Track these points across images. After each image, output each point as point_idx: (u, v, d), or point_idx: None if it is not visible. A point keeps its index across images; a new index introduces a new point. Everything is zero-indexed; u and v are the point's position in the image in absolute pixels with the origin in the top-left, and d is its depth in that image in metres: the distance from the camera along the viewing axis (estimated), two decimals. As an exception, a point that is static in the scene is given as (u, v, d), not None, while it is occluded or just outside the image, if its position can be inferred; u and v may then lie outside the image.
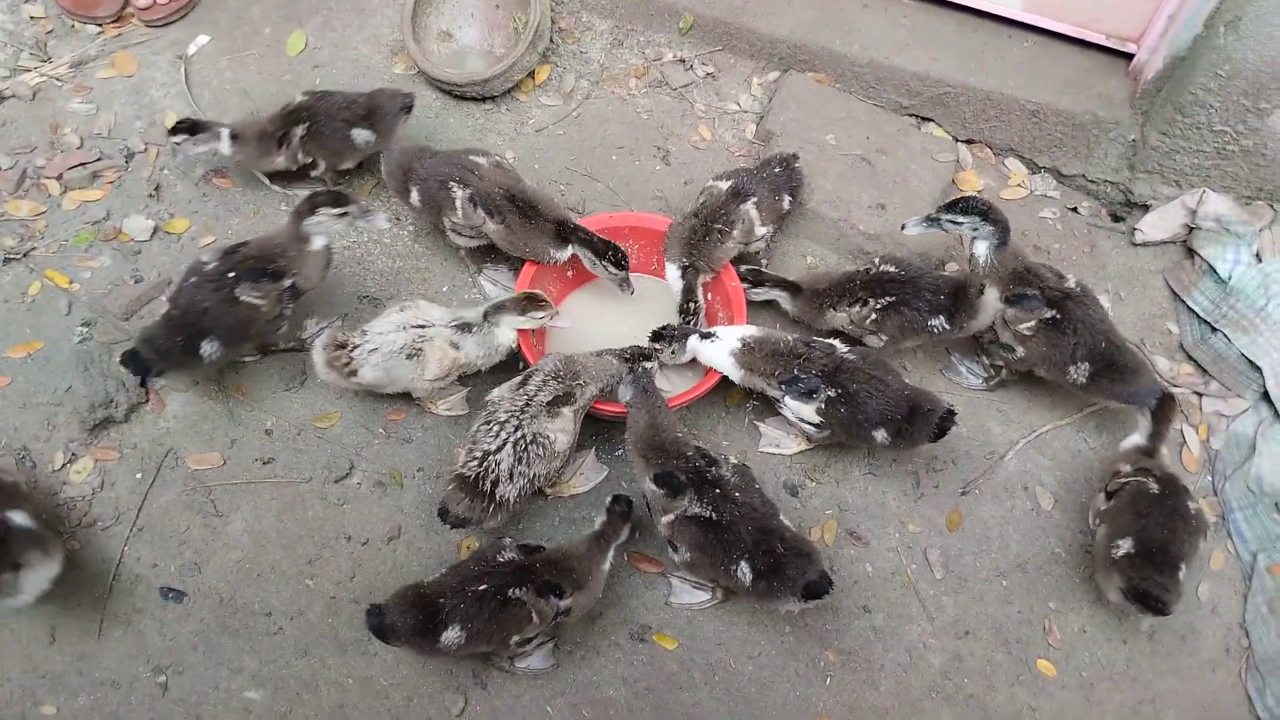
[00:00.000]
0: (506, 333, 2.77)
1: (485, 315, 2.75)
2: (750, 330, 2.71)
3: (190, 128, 3.04)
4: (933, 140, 3.47)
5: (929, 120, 3.53)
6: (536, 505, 2.77)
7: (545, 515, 2.76)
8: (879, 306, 2.80)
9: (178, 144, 3.05)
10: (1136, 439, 2.70)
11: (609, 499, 2.55)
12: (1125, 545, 2.47)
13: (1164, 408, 2.67)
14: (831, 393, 2.57)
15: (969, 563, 2.76)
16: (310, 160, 3.15)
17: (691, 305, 2.91)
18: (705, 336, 2.71)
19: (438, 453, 2.86)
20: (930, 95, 3.44)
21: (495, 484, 2.47)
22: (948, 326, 2.76)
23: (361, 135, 3.09)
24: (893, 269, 2.84)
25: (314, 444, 2.85)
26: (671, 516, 2.39)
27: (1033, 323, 2.74)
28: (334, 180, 3.27)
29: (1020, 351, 2.81)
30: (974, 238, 2.80)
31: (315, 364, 2.69)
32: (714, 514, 2.34)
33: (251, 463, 2.81)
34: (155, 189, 3.28)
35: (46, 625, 2.53)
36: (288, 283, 2.69)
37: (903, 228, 2.83)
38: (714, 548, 2.33)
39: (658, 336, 2.73)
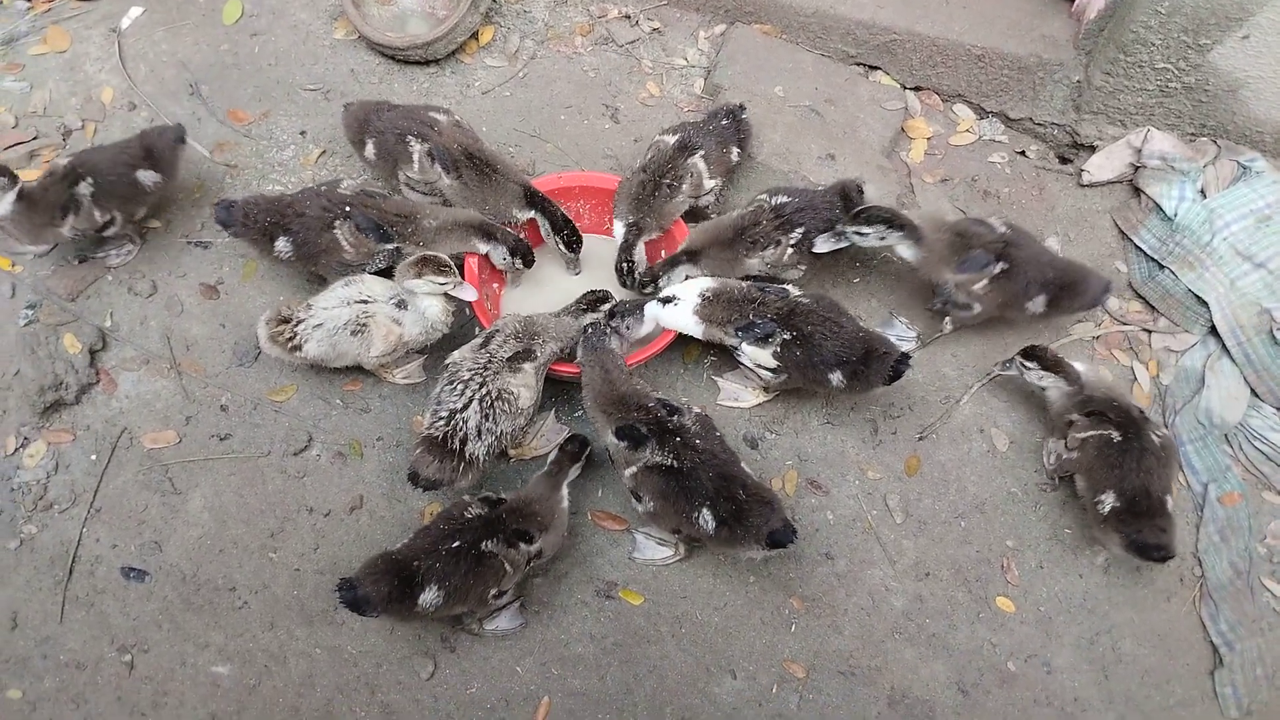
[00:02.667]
0: (434, 304, 2.73)
1: (396, 277, 2.72)
2: (707, 282, 2.72)
3: None
4: (881, 89, 3.47)
5: (876, 69, 3.53)
6: (499, 469, 2.77)
7: (509, 478, 2.76)
8: (794, 241, 2.81)
9: None
10: (1056, 385, 2.74)
11: (563, 437, 2.56)
12: (1109, 500, 2.53)
13: (1037, 356, 2.73)
14: (787, 335, 2.59)
15: (928, 506, 2.80)
16: (108, 217, 2.87)
17: (626, 265, 2.90)
18: (666, 302, 2.70)
19: (396, 421, 2.85)
20: (877, 43, 3.44)
21: (464, 442, 2.46)
22: (849, 228, 2.75)
23: (148, 177, 2.90)
24: (786, 199, 2.84)
25: (271, 418, 2.83)
26: (634, 469, 2.40)
27: (985, 280, 2.77)
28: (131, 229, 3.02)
29: (978, 308, 2.84)
30: (889, 244, 2.80)
31: (259, 338, 2.66)
32: (675, 462, 2.35)
33: (208, 439, 2.79)
34: (89, 166, 3.20)
35: (8, 611, 2.50)
36: None
37: (812, 246, 2.82)
38: (676, 496, 2.35)
39: (612, 314, 2.71)
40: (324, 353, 2.66)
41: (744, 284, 2.69)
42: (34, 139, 3.25)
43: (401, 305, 2.69)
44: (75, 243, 2.89)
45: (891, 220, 2.72)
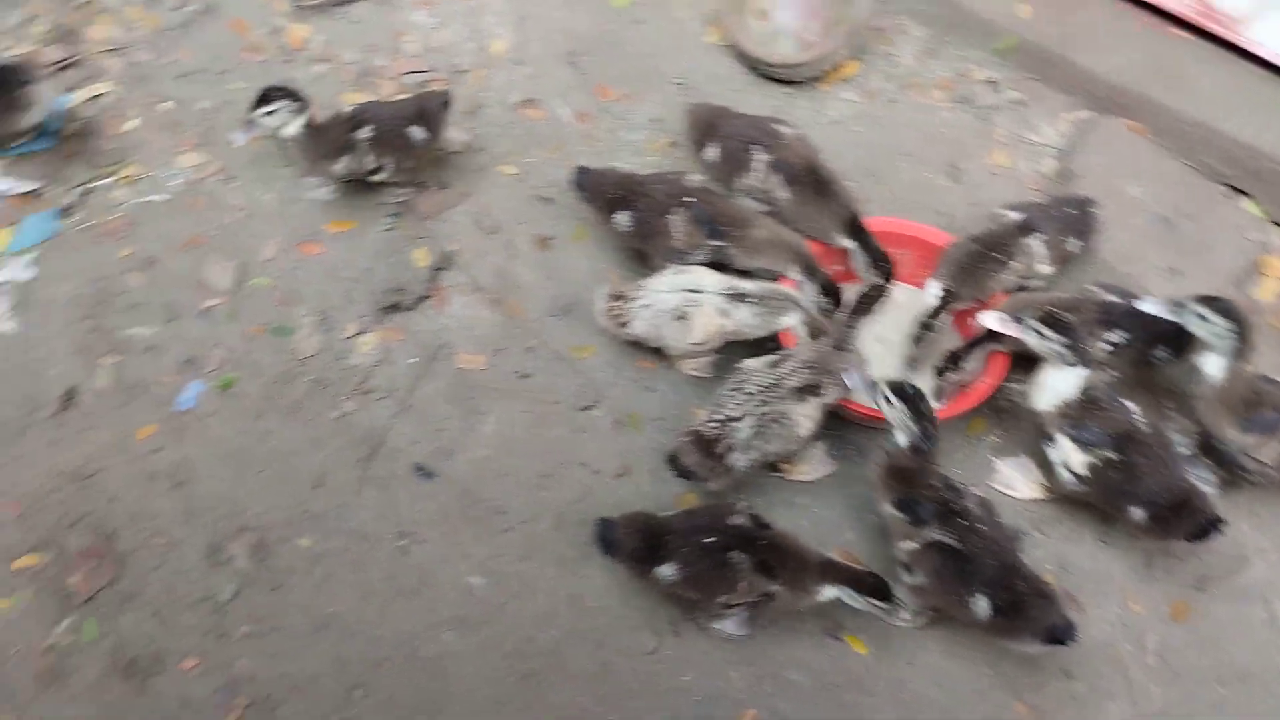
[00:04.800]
0: (791, 319, 2.85)
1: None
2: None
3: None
4: (1244, 215, 3.29)
5: (1244, 194, 3.35)
6: (760, 478, 2.85)
7: (765, 489, 2.84)
8: (1112, 342, 2.72)
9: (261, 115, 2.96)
10: None
11: (864, 577, 2.46)
12: None
13: None
14: (1112, 455, 2.52)
15: (1188, 659, 2.64)
16: (378, 164, 3.15)
17: (926, 328, 2.90)
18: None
19: (676, 408, 2.99)
20: (1253, 168, 3.26)
21: (730, 449, 2.57)
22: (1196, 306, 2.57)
23: (417, 133, 3.13)
24: (1118, 299, 2.73)
25: (567, 371, 3.04)
26: (914, 545, 2.42)
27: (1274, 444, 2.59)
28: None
29: (1273, 474, 2.66)
30: (1218, 347, 2.58)
31: (595, 309, 2.88)
32: (959, 544, 2.35)
33: (511, 373, 3.04)
34: (474, 107, 3.54)
35: (318, 471, 2.83)
36: None
37: (1135, 299, 2.69)
38: (953, 578, 2.35)
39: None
40: (646, 332, 2.85)
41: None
42: (428, 70, 3.63)
43: (739, 299, 2.81)
44: (345, 182, 3.20)
45: (1240, 324, 2.53)
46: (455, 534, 2.77)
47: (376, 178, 3.18)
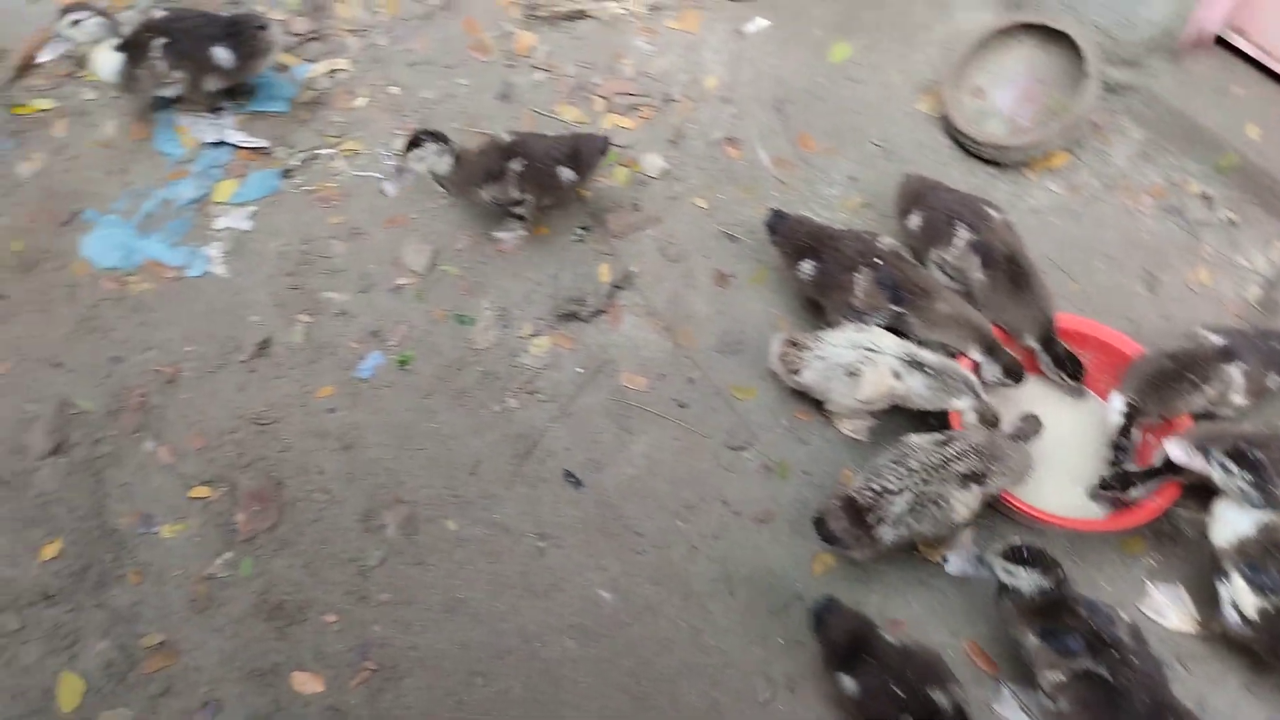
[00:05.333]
0: (963, 402, 2.81)
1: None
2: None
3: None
4: None
5: None
6: (899, 555, 2.82)
7: (903, 565, 2.80)
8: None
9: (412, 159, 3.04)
10: None
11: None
12: None
13: None
14: None
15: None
16: (522, 197, 3.17)
17: (1123, 445, 2.81)
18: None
19: (826, 464, 2.98)
20: None
21: (879, 522, 2.56)
22: None
23: (566, 174, 3.14)
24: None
25: (725, 408, 3.08)
26: (1060, 675, 2.34)
27: None
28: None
29: None
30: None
31: (770, 350, 2.91)
32: (1110, 676, 2.27)
33: (669, 400, 3.09)
34: (677, 137, 3.63)
35: (474, 459, 2.94)
36: None
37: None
38: (1101, 711, 2.27)
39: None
40: (814, 383, 2.86)
41: None
42: (639, 95, 3.74)
43: (914, 365, 2.80)
44: (486, 209, 3.26)
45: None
46: (591, 545, 2.83)
47: (517, 210, 3.24)
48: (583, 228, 3.40)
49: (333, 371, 3.07)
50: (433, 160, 3.03)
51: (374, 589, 2.72)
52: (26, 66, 3.63)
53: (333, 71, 3.70)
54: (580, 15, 3.89)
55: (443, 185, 3.17)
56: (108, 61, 3.24)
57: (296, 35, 3.75)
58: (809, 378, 2.86)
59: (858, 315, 2.97)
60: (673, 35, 3.90)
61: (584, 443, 3.00)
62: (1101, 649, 2.29)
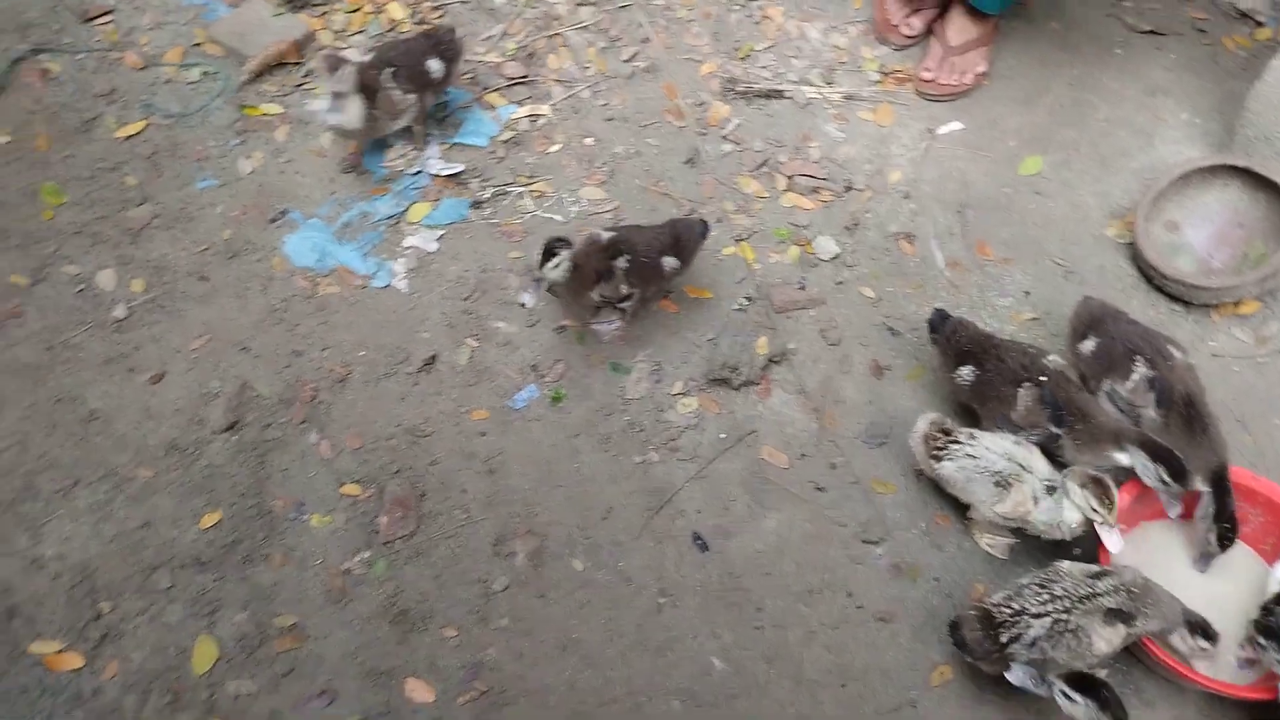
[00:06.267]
0: (1074, 515, 2.72)
1: (1063, 476, 2.73)
2: None
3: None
4: None
5: None
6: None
7: (1020, 694, 2.69)
8: None
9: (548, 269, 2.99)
10: None
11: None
12: None
13: None
14: None
15: None
16: (630, 291, 3.14)
17: (1267, 613, 2.64)
18: None
19: (959, 575, 2.92)
20: None
21: (1013, 640, 2.48)
22: None
23: (670, 263, 3.13)
24: None
25: (862, 499, 3.05)
26: None
27: None
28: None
29: None
30: None
31: (915, 429, 2.90)
32: None
33: (808, 481, 3.09)
34: (853, 224, 3.66)
35: (608, 504, 3.00)
36: None
37: None
38: None
39: None
40: (953, 476, 2.82)
41: None
42: (823, 179, 3.80)
43: (1050, 491, 2.72)
44: (595, 306, 3.23)
45: None
46: (710, 611, 2.83)
47: (622, 305, 3.24)
48: (747, 298, 3.45)
49: (489, 397, 3.20)
50: (566, 266, 3.01)
51: (495, 613, 2.79)
52: (262, 72, 3.95)
53: (534, 116, 3.90)
54: (776, 95, 4.00)
55: (554, 292, 3.11)
56: (353, 108, 3.40)
57: (508, 79, 3.96)
58: (949, 469, 2.82)
59: (1013, 429, 2.91)
60: (864, 125, 3.96)
61: (716, 508, 3.02)
62: None
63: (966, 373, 3.00)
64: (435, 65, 3.55)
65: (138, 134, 3.73)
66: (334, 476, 3.01)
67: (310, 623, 2.76)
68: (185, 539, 2.86)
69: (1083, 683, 2.38)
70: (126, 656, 2.66)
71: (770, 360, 3.31)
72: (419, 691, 2.66)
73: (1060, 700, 2.40)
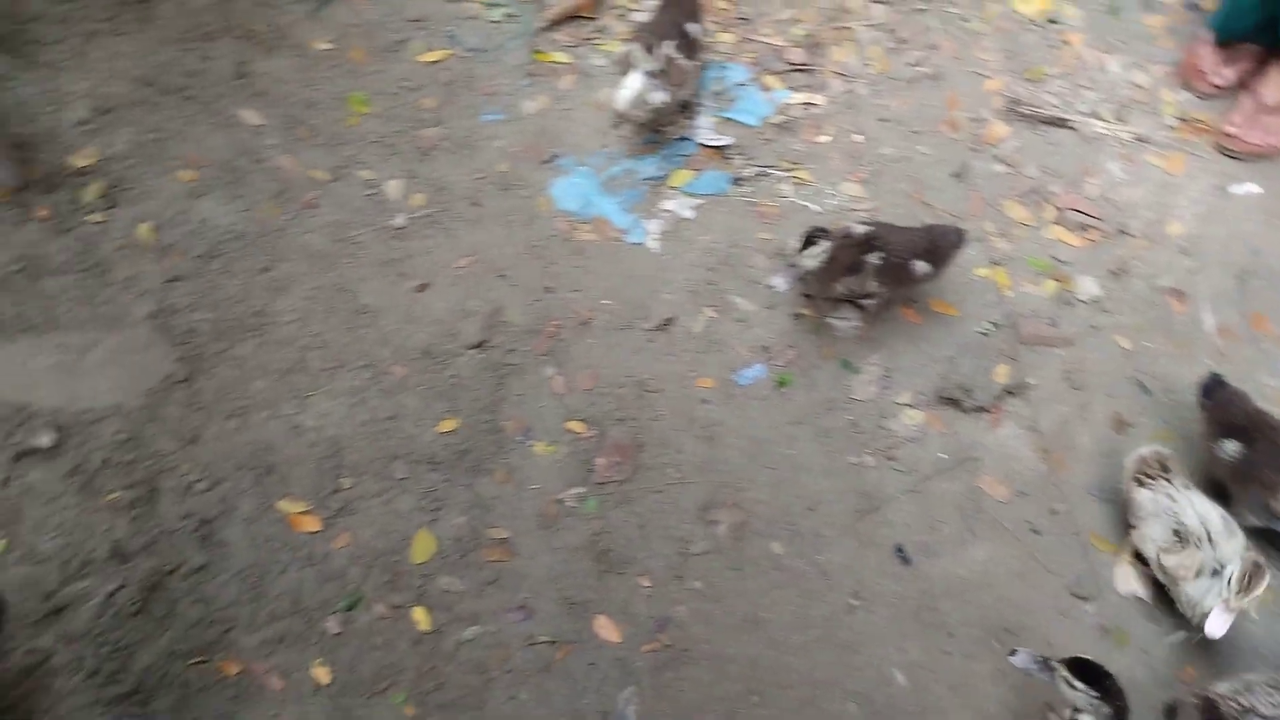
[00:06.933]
0: (1214, 600, 2.63)
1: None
2: None
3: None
4: None
5: None
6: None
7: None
8: None
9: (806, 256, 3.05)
10: None
11: None
12: None
13: None
14: None
15: None
16: (874, 289, 3.09)
17: None
18: None
19: (1170, 652, 2.77)
20: None
21: (1241, 730, 2.36)
22: None
23: (920, 267, 3.03)
24: None
25: (1078, 551, 2.96)
26: None
27: None
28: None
29: None
30: None
31: (1139, 450, 2.91)
32: None
33: (1024, 520, 3.01)
34: (1119, 270, 3.50)
35: (816, 496, 3.02)
36: None
37: None
38: None
39: None
40: (1143, 504, 2.79)
41: None
42: (1094, 217, 3.64)
43: (1214, 573, 2.65)
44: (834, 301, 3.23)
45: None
46: (900, 624, 2.81)
47: (864, 302, 3.22)
48: (993, 323, 3.37)
49: (717, 368, 3.26)
50: (819, 257, 3.05)
51: (690, 574, 2.87)
52: (559, 22, 4.14)
53: (808, 105, 3.91)
54: (1061, 123, 3.85)
55: (803, 280, 3.20)
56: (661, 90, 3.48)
57: (790, 64, 3.99)
58: (1144, 496, 2.76)
59: (1268, 518, 2.73)
60: (1150, 170, 3.76)
61: (924, 525, 2.98)
62: None
63: (1232, 447, 2.83)
64: (695, 28, 3.63)
65: (439, 61, 3.99)
66: (563, 411, 3.15)
67: (520, 541, 2.92)
68: (424, 438, 3.07)
69: (1087, 671, 2.32)
70: (357, 531, 2.90)
71: (1006, 390, 3.22)
72: (607, 630, 2.77)
73: (1062, 688, 2.34)
